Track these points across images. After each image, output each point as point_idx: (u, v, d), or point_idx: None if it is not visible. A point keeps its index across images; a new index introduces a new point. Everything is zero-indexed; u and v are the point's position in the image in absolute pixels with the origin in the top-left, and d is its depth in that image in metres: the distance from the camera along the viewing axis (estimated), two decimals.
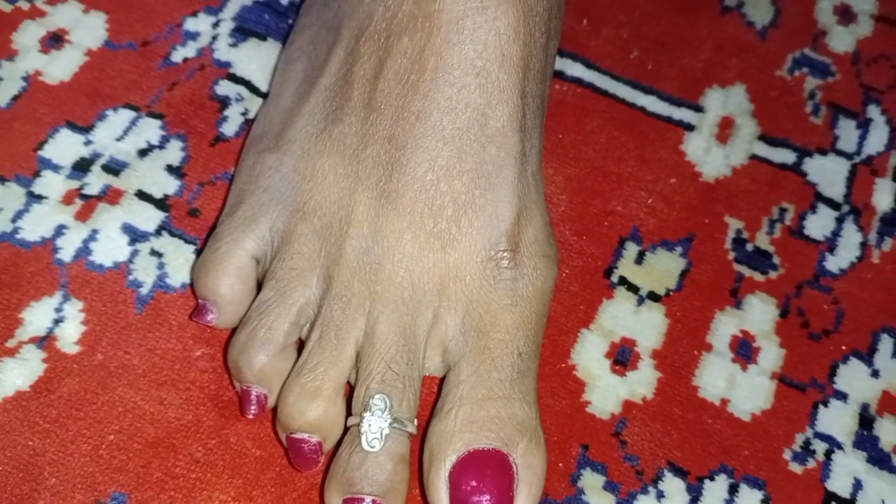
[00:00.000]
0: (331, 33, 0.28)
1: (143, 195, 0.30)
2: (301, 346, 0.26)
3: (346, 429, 0.25)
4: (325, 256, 0.26)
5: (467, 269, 0.25)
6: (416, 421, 0.25)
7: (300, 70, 0.28)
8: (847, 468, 0.28)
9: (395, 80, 0.26)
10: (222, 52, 0.32)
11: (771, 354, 0.30)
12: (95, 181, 0.30)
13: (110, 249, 0.29)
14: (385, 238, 0.25)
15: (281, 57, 0.30)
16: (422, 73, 0.26)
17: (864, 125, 0.34)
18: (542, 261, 0.26)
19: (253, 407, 0.26)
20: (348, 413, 0.26)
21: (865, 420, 0.29)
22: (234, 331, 0.27)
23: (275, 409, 0.26)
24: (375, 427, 0.24)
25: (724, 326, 0.30)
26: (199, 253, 0.29)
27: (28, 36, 0.32)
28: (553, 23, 0.28)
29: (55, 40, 0.32)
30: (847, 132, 0.34)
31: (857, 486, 0.28)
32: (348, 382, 0.26)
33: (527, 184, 0.26)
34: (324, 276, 0.26)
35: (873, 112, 0.35)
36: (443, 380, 0.26)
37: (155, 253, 0.29)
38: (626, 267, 0.30)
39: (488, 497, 0.24)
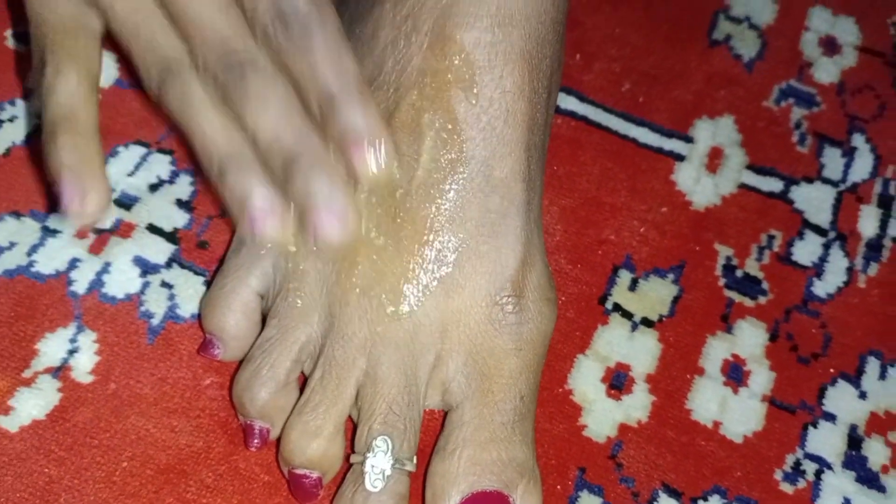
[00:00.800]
0: None
1: (153, 228, 0.31)
2: (304, 380, 0.27)
3: (348, 462, 0.26)
4: (327, 295, 0.27)
5: (471, 313, 0.26)
6: (415, 459, 0.26)
7: None
8: (837, 488, 0.29)
9: (403, 132, 0.27)
10: None
11: (761, 378, 0.31)
12: (108, 215, 0.31)
13: (122, 281, 0.30)
14: (388, 280, 0.26)
15: None
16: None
17: (849, 153, 0.36)
18: (545, 304, 0.27)
19: (256, 440, 0.27)
20: (348, 446, 0.27)
21: (854, 441, 0.30)
22: (241, 362, 0.28)
23: (278, 441, 0.27)
24: (378, 468, 0.25)
25: (716, 351, 0.31)
26: (208, 284, 0.30)
27: None
28: (554, 77, 0.29)
29: None
30: (832, 161, 0.35)
31: None
32: (350, 417, 0.27)
33: (530, 230, 0.27)
34: (326, 315, 0.27)
35: (858, 141, 0.36)
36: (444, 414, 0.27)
37: (165, 284, 0.30)
38: (620, 294, 0.31)
39: None
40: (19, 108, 0.33)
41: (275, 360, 0.26)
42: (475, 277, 0.26)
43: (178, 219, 0.31)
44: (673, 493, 0.28)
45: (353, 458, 0.26)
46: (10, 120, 0.32)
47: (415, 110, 0.27)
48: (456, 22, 0.26)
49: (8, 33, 0.34)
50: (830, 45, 0.38)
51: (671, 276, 0.32)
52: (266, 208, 0.25)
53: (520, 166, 0.27)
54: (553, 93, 0.29)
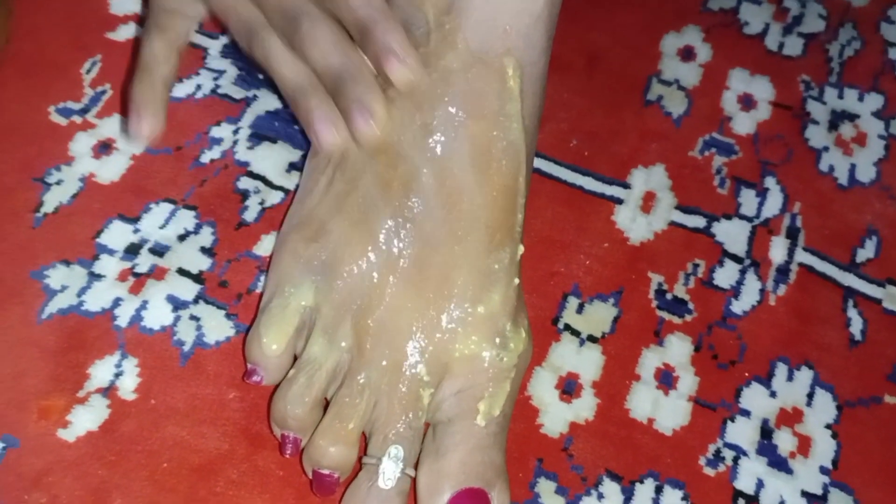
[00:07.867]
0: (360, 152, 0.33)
1: (182, 271, 0.37)
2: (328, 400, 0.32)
3: (360, 463, 0.32)
4: (353, 332, 0.32)
5: (472, 353, 0.32)
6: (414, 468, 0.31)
7: (330, 173, 0.34)
8: (751, 471, 0.35)
9: (420, 198, 0.32)
10: (242, 153, 0.40)
11: (687, 381, 0.36)
12: (144, 261, 0.37)
13: (158, 316, 0.35)
14: (405, 319, 0.32)
15: (310, 162, 0.35)
16: (444, 198, 0.32)
17: (762, 193, 0.41)
18: (529, 343, 0.33)
19: (291, 448, 0.32)
20: (360, 452, 0.32)
21: (766, 432, 0.36)
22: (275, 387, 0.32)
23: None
24: (391, 471, 0.31)
25: (650, 360, 0.37)
26: (228, 317, 0.36)
27: (82, 145, 0.39)
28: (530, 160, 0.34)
29: (105, 148, 0.39)
30: (748, 200, 0.41)
31: (760, 485, 0.34)
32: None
33: (517, 283, 0.33)
34: (352, 347, 0.32)
35: (770, 182, 0.42)
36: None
37: (193, 318, 0.36)
38: (569, 316, 0.37)
39: None
40: (64, 172, 0.39)
41: (316, 382, 0.31)
42: (475, 326, 0.32)
43: (203, 263, 0.37)
44: (615, 477, 0.34)
45: (367, 460, 0.31)
46: (58, 183, 0.38)
47: (433, 179, 0.32)
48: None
49: (51, 108, 0.40)
50: (747, 102, 0.44)
51: (612, 300, 0.38)
52: (324, 120, 0.32)
53: (515, 227, 0.33)
54: (530, 170, 0.35)
